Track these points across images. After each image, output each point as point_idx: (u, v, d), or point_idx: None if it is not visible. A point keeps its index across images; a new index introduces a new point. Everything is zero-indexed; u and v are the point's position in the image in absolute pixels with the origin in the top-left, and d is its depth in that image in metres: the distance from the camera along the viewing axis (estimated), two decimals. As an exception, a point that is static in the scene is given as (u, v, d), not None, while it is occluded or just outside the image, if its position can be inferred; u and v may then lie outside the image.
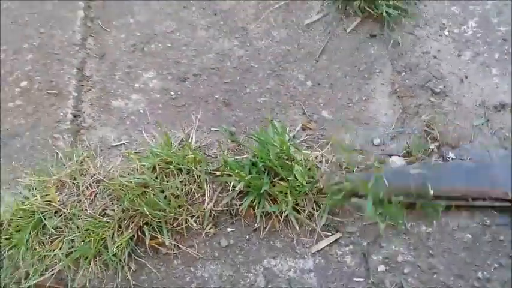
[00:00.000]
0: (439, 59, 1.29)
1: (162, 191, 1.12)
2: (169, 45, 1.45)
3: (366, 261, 1.02)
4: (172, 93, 1.35)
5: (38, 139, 1.30)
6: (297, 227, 1.08)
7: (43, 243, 1.12)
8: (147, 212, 1.06)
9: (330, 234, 1.06)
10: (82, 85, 1.40)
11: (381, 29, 1.36)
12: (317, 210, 1.07)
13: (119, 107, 1.35)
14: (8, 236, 1.13)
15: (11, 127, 1.34)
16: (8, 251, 1.12)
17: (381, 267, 1.01)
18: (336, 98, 1.26)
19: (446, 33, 1.33)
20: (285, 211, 1.05)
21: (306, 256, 1.04)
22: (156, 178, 1.14)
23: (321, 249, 1.05)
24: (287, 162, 1.08)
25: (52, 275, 1.07)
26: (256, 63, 1.36)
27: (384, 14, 1.32)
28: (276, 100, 1.29)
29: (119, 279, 1.07)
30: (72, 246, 1.10)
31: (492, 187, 1.01)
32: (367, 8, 1.35)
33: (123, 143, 1.28)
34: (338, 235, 1.06)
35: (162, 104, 1.34)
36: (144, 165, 1.16)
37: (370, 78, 1.28)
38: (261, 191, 1.06)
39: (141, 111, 1.33)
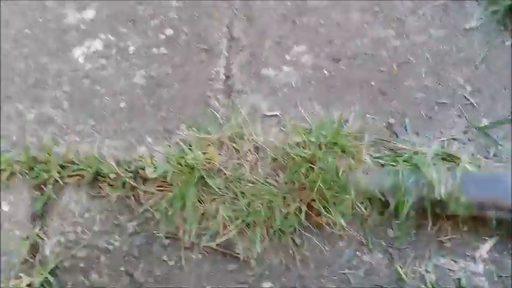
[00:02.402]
0: None
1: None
2: (322, 22, 1.40)
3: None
4: (325, 72, 1.32)
5: (189, 93, 1.24)
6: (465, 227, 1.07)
7: (203, 201, 1.08)
8: (324, 188, 1.03)
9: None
10: (231, 46, 1.35)
11: (540, 48, 1.36)
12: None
13: (269, 76, 1.31)
14: (163, 189, 1.09)
15: (157, 75, 1.27)
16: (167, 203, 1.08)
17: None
18: (496, 108, 1.26)
19: None
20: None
21: (476, 260, 1.05)
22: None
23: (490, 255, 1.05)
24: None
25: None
26: (414, 58, 1.34)
27: (550, 33, 1.32)
28: (435, 99, 1.27)
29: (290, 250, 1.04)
30: (234, 210, 1.07)
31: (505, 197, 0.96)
32: (530, 25, 1.36)
33: (277, 114, 1.24)
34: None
35: (315, 82, 1.30)
36: (312, 141, 1.13)
37: (531, 97, 1.28)
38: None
39: (293, 84, 1.29)
